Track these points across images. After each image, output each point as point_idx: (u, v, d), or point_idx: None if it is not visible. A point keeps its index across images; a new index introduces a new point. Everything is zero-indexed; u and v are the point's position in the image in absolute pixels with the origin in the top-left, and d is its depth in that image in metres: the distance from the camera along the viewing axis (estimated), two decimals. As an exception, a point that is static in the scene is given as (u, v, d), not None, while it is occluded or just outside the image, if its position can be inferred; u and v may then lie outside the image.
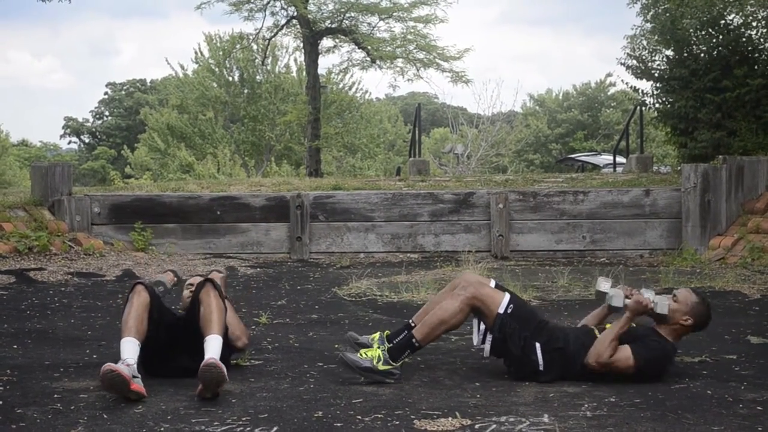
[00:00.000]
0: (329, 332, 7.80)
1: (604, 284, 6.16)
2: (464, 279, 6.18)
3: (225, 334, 5.77)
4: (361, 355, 5.85)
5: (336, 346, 6.99)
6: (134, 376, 5.28)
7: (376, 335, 6.32)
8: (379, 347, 5.93)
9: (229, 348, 5.96)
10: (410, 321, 6.29)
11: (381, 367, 5.78)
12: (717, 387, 5.63)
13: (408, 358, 5.98)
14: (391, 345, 5.97)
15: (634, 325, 6.01)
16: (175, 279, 6.36)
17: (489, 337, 5.90)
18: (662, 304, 5.90)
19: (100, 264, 12.51)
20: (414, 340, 5.89)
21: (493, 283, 6.15)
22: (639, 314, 5.89)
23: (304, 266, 13.37)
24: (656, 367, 5.79)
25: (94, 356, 6.75)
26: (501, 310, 5.87)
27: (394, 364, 5.81)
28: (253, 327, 8.03)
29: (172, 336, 5.81)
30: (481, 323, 6.00)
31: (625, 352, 5.72)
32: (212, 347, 5.48)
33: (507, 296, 5.98)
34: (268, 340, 7.44)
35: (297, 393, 5.52)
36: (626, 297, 5.98)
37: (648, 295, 5.95)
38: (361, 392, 5.51)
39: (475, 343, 6.07)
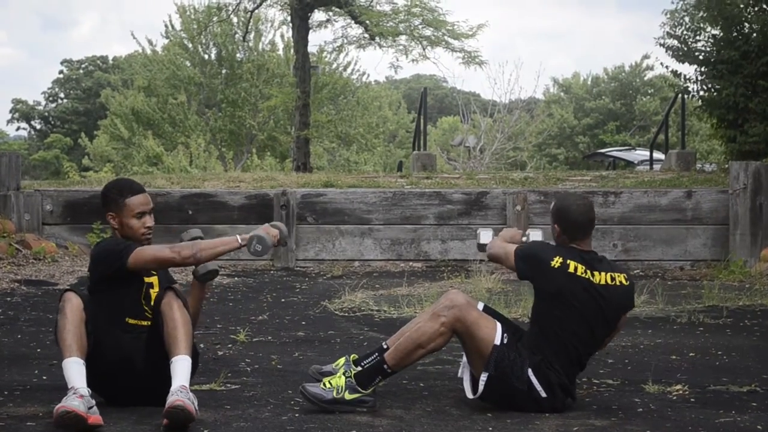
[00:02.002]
0: (317, 352, 7.80)
1: (484, 235, 6.68)
2: (448, 298, 6.06)
3: (194, 352, 5.76)
4: (323, 385, 5.80)
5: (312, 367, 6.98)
6: (90, 407, 5.25)
7: (341, 360, 6.32)
8: (344, 373, 5.90)
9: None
10: (383, 344, 6.26)
11: (347, 396, 5.73)
12: (768, 421, 5.64)
13: (379, 384, 5.93)
14: (360, 369, 5.94)
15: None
16: (278, 242, 5.94)
17: (482, 378, 5.80)
18: (535, 234, 6.67)
19: (52, 270, 12.51)
20: (385, 365, 5.84)
21: (481, 306, 6.13)
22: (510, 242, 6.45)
23: (289, 275, 13.37)
24: (536, 259, 6.12)
25: (44, 377, 6.75)
26: (497, 342, 5.81)
27: (363, 391, 5.76)
28: (230, 346, 8.04)
29: (125, 352, 5.74)
30: (465, 357, 5.99)
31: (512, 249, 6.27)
32: (180, 372, 5.45)
33: (499, 325, 5.93)
34: (247, 361, 7.45)
35: (280, 423, 5.52)
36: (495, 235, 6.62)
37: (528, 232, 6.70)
38: (355, 423, 5.50)
39: (458, 374, 6.11)
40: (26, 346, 8.03)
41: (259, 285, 12.31)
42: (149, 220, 6.13)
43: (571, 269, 5.91)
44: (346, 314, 9.98)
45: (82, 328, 5.57)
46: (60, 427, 5.18)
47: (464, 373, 6.00)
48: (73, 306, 5.60)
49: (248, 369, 7.17)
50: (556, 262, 5.94)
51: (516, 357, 5.78)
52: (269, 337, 8.63)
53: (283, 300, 11.05)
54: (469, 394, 5.90)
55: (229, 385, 6.50)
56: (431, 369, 7.09)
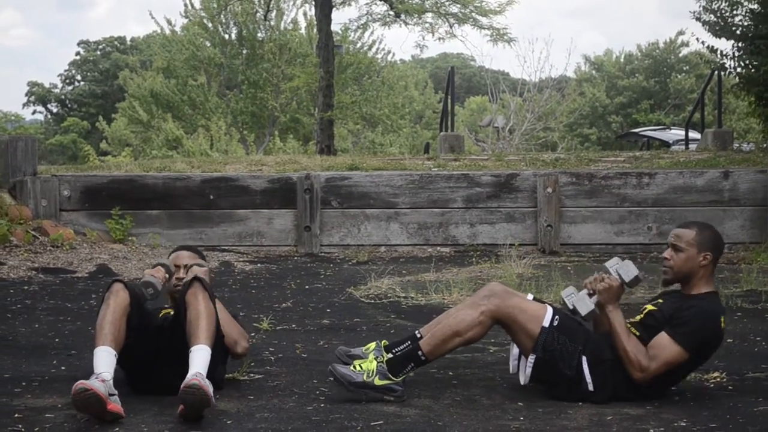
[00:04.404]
0: (343, 341, 7.79)
1: (568, 300, 6.04)
2: (488, 288, 6.09)
3: (218, 343, 5.78)
4: (354, 367, 5.82)
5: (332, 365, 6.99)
6: (111, 394, 5.28)
7: (372, 345, 6.31)
8: (375, 358, 5.92)
9: (226, 355, 6.00)
10: (416, 332, 6.26)
11: (377, 382, 5.75)
12: (809, 409, 5.61)
13: (411, 373, 5.95)
14: (391, 356, 5.95)
15: (660, 301, 6.06)
16: (167, 276, 6.26)
17: (530, 360, 5.85)
18: (626, 270, 5.94)
19: (70, 258, 12.54)
20: (420, 352, 5.85)
21: (530, 297, 6.12)
22: (616, 298, 5.90)
23: (313, 261, 13.38)
24: (706, 333, 5.75)
25: (63, 368, 6.78)
26: (546, 324, 5.82)
27: (393, 378, 5.78)
28: (253, 334, 8.05)
29: (156, 345, 5.82)
30: (514, 345, 5.99)
31: (665, 341, 5.70)
32: (197, 361, 5.47)
33: (549, 308, 5.93)
34: (271, 350, 7.46)
35: (304, 413, 5.53)
36: (589, 294, 5.96)
37: (611, 270, 5.99)
38: (382, 413, 5.51)
39: (511, 371, 6.07)
40: (44, 335, 8.06)
41: (282, 272, 12.32)
42: (181, 272, 6.42)
43: (723, 325, 5.87)
44: (372, 301, 9.98)
45: (122, 322, 5.64)
46: (77, 407, 5.21)
47: (519, 363, 5.99)
48: (119, 299, 5.72)
49: (272, 358, 7.18)
50: (722, 323, 5.85)
51: (567, 342, 5.77)
52: (293, 325, 8.64)
53: (307, 287, 11.06)
54: (522, 380, 5.94)
55: (252, 375, 6.52)
56: (460, 357, 7.08)
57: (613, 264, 5.99)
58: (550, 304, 6.01)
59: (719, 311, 5.82)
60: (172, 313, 6.07)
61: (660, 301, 6.04)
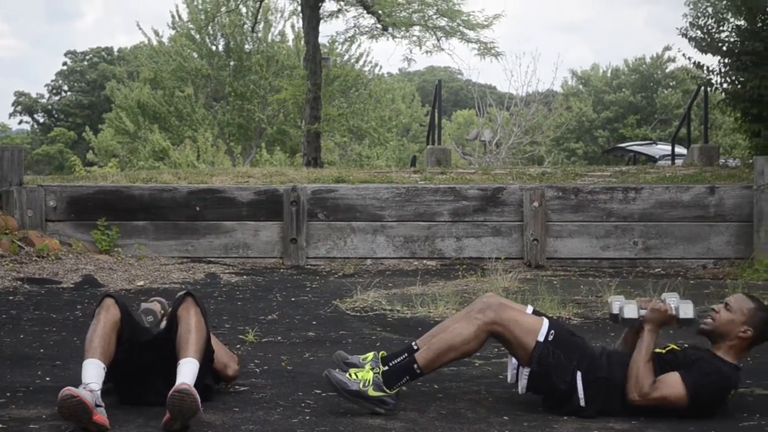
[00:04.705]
0: (328, 353, 7.77)
1: (616, 303, 6.08)
2: (483, 300, 6.12)
3: (207, 358, 5.79)
4: (350, 375, 5.83)
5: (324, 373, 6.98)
6: (97, 405, 5.29)
7: (370, 355, 6.32)
8: (372, 369, 5.91)
9: (217, 378, 6.03)
10: (413, 343, 6.28)
11: (372, 392, 5.76)
12: (794, 425, 5.63)
13: (405, 386, 5.96)
14: (387, 368, 5.95)
15: (686, 347, 6.03)
16: (164, 311, 6.28)
17: (525, 372, 5.87)
18: (686, 308, 5.91)
19: (55, 268, 12.53)
20: (415, 365, 5.86)
21: (530, 309, 6.14)
22: (661, 324, 5.91)
23: (299, 274, 13.38)
24: (714, 394, 5.75)
25: (47, 378, 6.77)
26: (541, 338, 5.84)
27: (387, 390, 5.78)
28: (238, 346, 8.05)
29: (146, 358, 5.82)
30: (511, 360, 6.01)
31: (673, 380, 5.70)
32: (185, 372, 5.48)
33: (545, 321, 5.94)
34: (256, 362, 7.45)
35: (290, 426, 5.53)
36: (641, 308, 5.96)
37: (670, 301, 5.94)
38: (367, 426, 5.51)
39: (508, 380, 6.08)
40: (29, 346, 8.05)
41: (268, 284, 12.32)
42: None
43: (731, 397, 5.90)
44: (358, 314, 9.98)
45: (112, 336, 5.67)
46: (63, 414, 5.21)
47: (518, 372, 6.00)
48: (109, 314, 5.76)
49: (257, 370, 7.17)
50: (731, 395, 5.88)
51: (561, 356, 5.79)
52: (279, 338, 8.64)
53: (293, 299, 11.05)
54: (520, 390, 5.95)
55: (237, 387, 6.51)
56: (446, 371, 7.07)
57: (673, 297, 6.00)
58: (547, 317, 6.03)
59: (734, 383, 5.83)
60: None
61: (686, 346, 6.06)
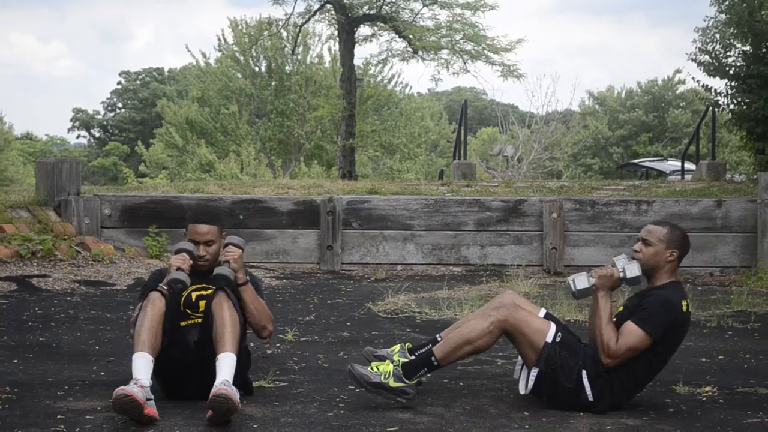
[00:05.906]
0: (361, 352, 7.79)
1: (569, 279, 6.14)
2: (499, 299, 6.14)
3: (243, 351, 5.81)
4: (371, 368, 5.83)
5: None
6: (148, 399, 5.31)
7: (397, 347, 6.33)
8: (393, 361, 5.92)
9: (249, 359, 6.03)
10: (437, 336, 6.29)
11: (392, 384, 5.75)
12: (795, 422, 5.59)
13: (424, 377, 5.96)
14: (408, 360, 5.95)
15: (628, 301, 6.15)
16: (191, 263, 6.12)
17: (533, 372, 5.85)
18: (632, 268, 5.91)
19: (109, 272, 12.57)
20: (433, 358, 5.86)
21: (542, 312, 6.12)
22: (611, 287, 5.93)
23: (335, 278, 13.38)
24: (669, 319, 5.76)
25: (102, 373, 6.80)
26: (549, 339, 5.83)
27: (407, 381, 5.78)
28: (278, 345, 8.07)
29: (185, 349, 5.82)
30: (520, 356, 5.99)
31: (630, 328, 5.74)
32: (224, 368, 5.50)
33: (553, 325, 5.93)
34: (294, 360, 7.47)
35: (325, 419, 5.54)
36: (591, 277, 5.99)
37: (619, 263, 5.97)
38: (397, 419, 5.51)
39: (514, 375, 6.08)
40: (85, 343, 8.08)
41: (306, 287, 12.33)
42: (201, 250, 6.12)
43: (686, 308, 5.89)
44: (389, 316, 9.98)
45: (158, 329, 5.66)
46: (117, 410, 5.24)
47: (522, 372, 5.99)
48: (156, 307, 5.72)
49: (296, 367, 7.19)
50: (684, 306, 5.88)
51: (567, 356, 5.78)
52: (316, 337, 8.65)
53: (329, 302, 11.06)
54: (522, 390, 5.92)
55: (277, 383, 6.53)
56: (471, 369, 7.09)
57: (621, 259, 6.02)
58: (554, 321, 6.01)
59: (680, 296, 5.87)
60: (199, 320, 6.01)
61: (631, 296, 6.09)
